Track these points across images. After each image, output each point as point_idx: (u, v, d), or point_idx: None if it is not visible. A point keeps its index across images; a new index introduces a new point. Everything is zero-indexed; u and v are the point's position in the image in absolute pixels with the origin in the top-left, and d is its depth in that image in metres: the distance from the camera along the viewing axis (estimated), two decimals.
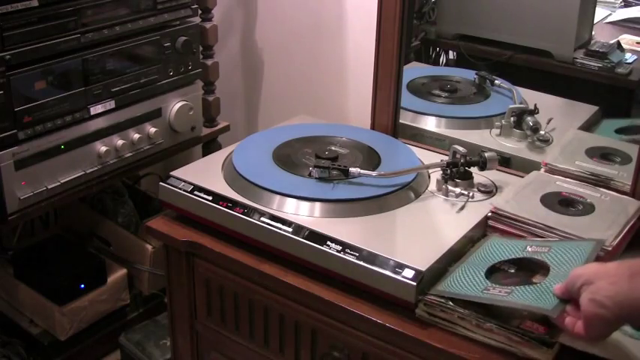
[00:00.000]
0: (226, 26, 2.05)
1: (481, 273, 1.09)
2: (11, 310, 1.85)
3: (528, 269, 1.10)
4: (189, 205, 1.29)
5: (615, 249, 1.15)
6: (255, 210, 1.23)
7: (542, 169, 1.38)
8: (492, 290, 1.04)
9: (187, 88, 1.79)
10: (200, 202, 1.27)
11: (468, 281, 1.07)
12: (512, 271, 1.12)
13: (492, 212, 1.23)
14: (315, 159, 1.34)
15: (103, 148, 1.62)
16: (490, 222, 1.23)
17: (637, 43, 1.48)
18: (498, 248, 1.15)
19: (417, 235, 1.18)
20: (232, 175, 1.32)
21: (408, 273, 1.07)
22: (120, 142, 1.65)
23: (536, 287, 1.03)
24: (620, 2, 1.52)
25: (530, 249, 1.13)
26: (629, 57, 1.47)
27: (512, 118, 1.50)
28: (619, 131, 1.46)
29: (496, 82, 1.61)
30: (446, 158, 1.35)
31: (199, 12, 1.79)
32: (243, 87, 2.12)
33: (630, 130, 1.44)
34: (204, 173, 1.34)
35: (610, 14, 1.53)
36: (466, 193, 1.28)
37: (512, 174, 1.38)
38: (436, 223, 1.22)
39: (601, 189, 1.30)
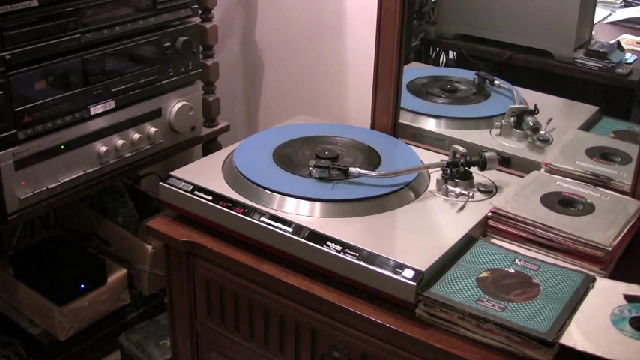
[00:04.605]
0: (226, 26, 2.05)
1: (472, 279, 1.09)
2: (11, 310, 1.85)
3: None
4: (189, 205, 1.29)
5: (615, 249, 1.15)
6: (255, 210, 1.23)
7: (542, 169, 1.38)
8: (486, 302, 1.04)
9: (187, 88, 1.79)
10: (200, 202, 1.27)
11: (460, 287, 1.08)
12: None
13: (492, 212, 1.23)
14: (315, 159, 1.34)
15: (103, 148, 1.62)
16: (490, 222, 1.23)
17: (637, 43, 1.48)
18: (487, 255, 1.16)
19: (417, 235, 1.18)
20: (232, 175, 1.32)
21: (408, 273, 1.07)
22: (120, 142, 1.65)
23: (529, 305, 1.03)
24: (620, 2, 1.52)
25: (518, 262, 1.14)
26: (629, 57, 1.47)
27: (512, 118, 1.50)
28: (616, 134, 1.46)
29: (496, 82, 1.61)
30: (446, 158, 1.35)
31: (199, 12, 1.79)
32: (243, 87, 2.12)
33: (626, 135, 1.44)
34: (204, 173, 1.34)
35: (610, 14, 1.53)
36: (466, 193, 1.28)
37: (512, 174, 1.38)
38: (436, 223, 1.22)
39: (601, 189, 1.30)
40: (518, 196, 1.26)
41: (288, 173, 1.31)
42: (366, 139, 1.46)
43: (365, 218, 1.22)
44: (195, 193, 1.29)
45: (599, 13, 1.53)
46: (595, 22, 1.53)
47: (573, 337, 0.99)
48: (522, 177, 1.35)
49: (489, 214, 1.23)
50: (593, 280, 1.11)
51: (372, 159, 1.38)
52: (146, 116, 1.70)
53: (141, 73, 1.66)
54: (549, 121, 1.49)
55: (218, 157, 1.40)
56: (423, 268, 1.08)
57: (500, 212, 1.22)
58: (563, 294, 1.07)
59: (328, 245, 1.14)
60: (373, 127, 1.56)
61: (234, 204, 1.25)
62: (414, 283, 1.06)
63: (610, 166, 1.35)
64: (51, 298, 1.75)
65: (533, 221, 1.19)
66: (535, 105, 1.50)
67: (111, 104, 1.62)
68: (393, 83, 1.51)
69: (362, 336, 1.13)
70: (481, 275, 1.11)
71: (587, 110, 1.51)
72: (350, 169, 1.29)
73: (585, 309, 1.05)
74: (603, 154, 1.39)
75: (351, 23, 1.81)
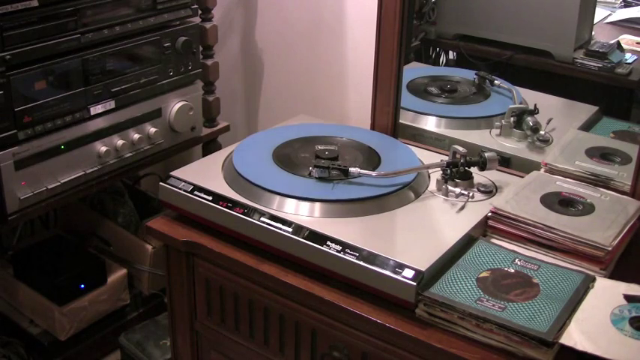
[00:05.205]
0: (226, 26, 2.05)
1: (472, 279, 1.09)
2: (11, 310, 1.85)
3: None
4: (189, 205, 1.29)
5: (615, 249, 1.15)
6: (255, 210, 1.23)
7: (542, 169, 1.38)
8: (486, 302, 1.04)
9: (187, 88, 1.79)
10: (200, 202, 1.27)
11: (460, 287, 1.08)
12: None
13: (492, 212, 1.23)
14: (315, 159, 1.34)
15: (103, 148, 1.62)
16: (490, 222, 1.23)
17: (637, 43, 1.48)
18: (487, 255, 1.16)
19: (417, 235, 1.18)
20: (232, 175, 1.32)
21: (408, 273, 1.07)
22: (120, 142, 1.65)
23: (529, 305, 1.03)
24: (620, 2, 1.52)
25: (518, 262, 1.14)
26: (629, 57, 1.47)
27: (512, 118, 1.50)
28: (616, 134, 1.46)
29: (496, 82, 1.61)
30: (446, 158, 1.35)
31: (199, 12, 1.79)
32: (243, 87, 2.12)
33: (626, 135, 1.44)
34: (204, 173, 1.34)
35: (610, 14, 1.53)
36: (466, 193, 1.28)
37: (512, 174, 1.38)
38: (436, 223, 1.22)
39: (601, 189, 1.30)
40: (518, 196, 1.26)
41: (288, 173, 1.31)
42: (366, 139, 1.46)
43: (365, 218, 1.22)
44: (195, 193, 1.29)
45: (599, 13, 1.53)
46: (595, 22, 1.53)
47: (573, 337, 0.99)
48: (522, 177, 1.35)
49: (489, 214, 1.23)
50: (593, 280, 1.11)
51: (372, 159, 1.38)
52: (146, 116, 1.70)
53: (141, 73, 1.66)
54: (549, 121, 1.49)
55: (218, 157, 1.40)
56: (422, 268, 1.08)
57: (500, 212, 1.22)
58: (563, 294, 1.07)
59: (328, 245, 1.14)
60: (373, 127, 1.56)
61: (234, 204, 1.25)
62: (414, 283, 1.06)
63: (610, 166, 1.35)
64: (51, 298, 1.75)
65: (533, 221, 1.19)
66: (535, 105, 1.50)
67: (111, 104, 1.62)
68: (393, 83, 1.51)
69: (362, 336, 1.13)
70: (481, 275, 1.11)
71: (587, 110, 1.51)
72: (350, 169, 1.29)
73: (585, 309, 1.04)
74: (603, 154, 1.39)
75: (350, 23, 1.81)
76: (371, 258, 1.11)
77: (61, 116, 1.53)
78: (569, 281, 1.09)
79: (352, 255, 1.12)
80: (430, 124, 1.57)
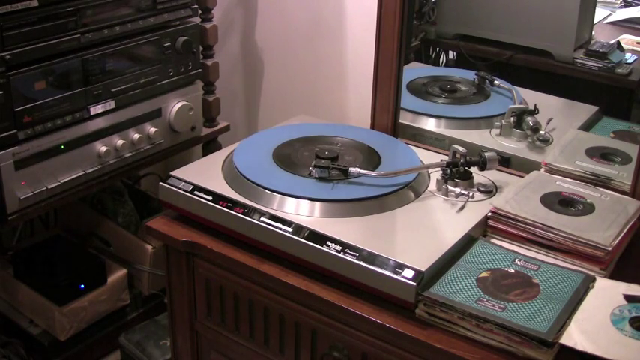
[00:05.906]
0: (226, 26, 2.05)
1: (472, 279, 1.09)
2: (11, 310, 1.85)
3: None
4: (189, 205, 1.29)
5: (615, 249, 1.15)
6: (255, 210, 1.23)
7: (542, 169, 1.38)
8: (486, 302, 1.04)
9: (187, 88, 1.79)
10: (200, 202, 1.27)
11: (460, 287, 1.08)
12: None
13: (492, 212, 1.23)
14: (315, 159, 1.34)
15: (103, 148, 1.62)
16: (490, 222, 1.23)
17: (637, 43, 1.48)
18: (487, 255, 1.16)
19: (417, 235, 1.18)
20: (232, 175, 1.32)
21: (408, 273, 1.07)
22: (120, 142, 1.65)
23: (529, 305, 1.04)
24: (620, 2, 1.52)
25: (518, 262, 1.14)
26: (629, 57, 1.47)
27: (512, 118, 1.50)
28: (616, 134, 1.46)
29: (496, 82, 1.61)
30: (446, 158, 1.35)
31: (199, 12, 1.79)
32: (243, 87, 2.12)
33: (626, 135, 1.44)
34: (204, 173, 1.34)
35: (610, 14, 1.53)
36: (466, 193, 1.28)
37: (512, 174, 1.38)
38: (436, 223, 1.22)
39: (601, 189, 1.30)
40: (518, 196, 1.26)
41: (288, 173, 1.31)
42: (366, 139, 1.46)
43: (365, 218, 1.22)
44: (195, 193, 1.29)
45: (599, 13, 1.53)
46: (595, 22, 1.53)
47: (573, 337, 0.99)
48: (522, 177, 1.35)
49: (489, 214, 1.23)
50: (593, 280, 1.11)
51: (372, 159, 1.38)
52: (146, 116, 1.70)
53: (141, 73, 1.66)
54: (549, 121, 1.49)
55: (218, 157, 1.40)
56: (422, 268, 1.08)
57: (500, 212, 1.22)
58: (563, 294, 1.07)
59: (328, 245, 1.14)
60: (373, 127, 1.56)
61: (234, 204, 1.25)
62: (414, 283, 1.06)
63: (610, 166, 1.35)
64: (51, 298, 1.75)
65: (533, 221, 1.19)
66: (535, 105, 1.50)
67: (111, 104, 1.62)
68: (393, 83, 1.51)
69: (362, 336, 1.13)
70: (481, 275, 1.11)
71: (587, 110, 1.51)
72: (350, 169, 1.29)
73: (585, 309, 1.05)
74: (603, 154, 1.39)
75: (351, 23, 1.81)
76: (371, 258, 1.11)
77: (61, 116, 1.53)
78: (569, 281, 1.09)
79: (352, 255, 1.12)
80: (430, 124, 1.57)
